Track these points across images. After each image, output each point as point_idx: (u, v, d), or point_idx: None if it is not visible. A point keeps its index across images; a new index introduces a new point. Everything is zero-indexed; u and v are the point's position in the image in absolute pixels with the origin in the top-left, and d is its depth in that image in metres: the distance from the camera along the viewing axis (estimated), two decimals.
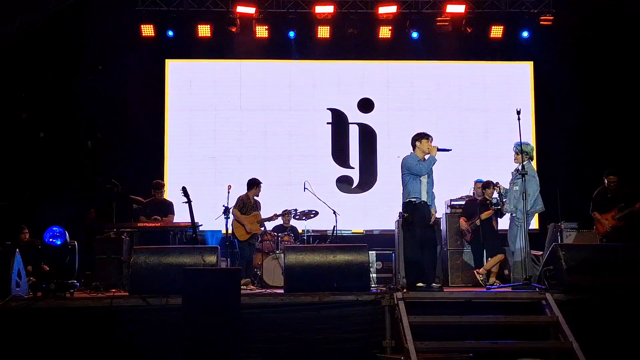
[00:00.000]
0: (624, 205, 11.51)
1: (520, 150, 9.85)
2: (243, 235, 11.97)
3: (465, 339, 8.16)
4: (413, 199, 9.62)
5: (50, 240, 10.87)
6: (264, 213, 12.51)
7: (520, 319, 8.50)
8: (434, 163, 9.70)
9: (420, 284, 9.48)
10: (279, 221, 13.43)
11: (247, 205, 12.13)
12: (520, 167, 9.81)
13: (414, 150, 9.87)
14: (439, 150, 9.72)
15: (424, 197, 9.68)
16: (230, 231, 12.07)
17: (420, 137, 9.87)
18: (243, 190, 12.28)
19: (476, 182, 12.52)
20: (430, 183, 9.80)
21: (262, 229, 12.61)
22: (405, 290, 8.85)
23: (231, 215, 12.01)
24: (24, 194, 14.11)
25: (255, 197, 12.30)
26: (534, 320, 8.51)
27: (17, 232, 12.56)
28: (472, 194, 12.65)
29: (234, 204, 12.06)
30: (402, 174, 9.82)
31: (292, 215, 13.36)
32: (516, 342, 8.15)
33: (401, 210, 9.92)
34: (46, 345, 8.30)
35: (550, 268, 9.19)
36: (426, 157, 9.74)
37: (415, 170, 9.63)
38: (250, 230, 12.00)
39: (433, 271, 9.98)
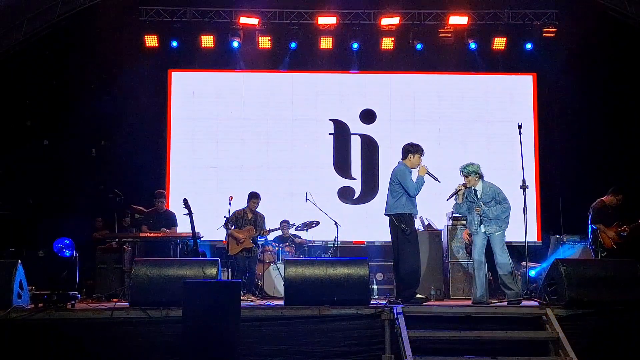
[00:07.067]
0: (622, 223, 11.64)
1: (469, 172, 9.93)
2: (233, 250, 12.01)
3: (465, 353, 8.20)
4: (407, 212, 9.60)
5: (62, 250, 10.99)
6: (268, 224, 12.48)
7: (521, 334, 8.52)
8: (422, 185, 9.60)
9: (419, 296, 9.51)
10: (279, 232, 13.43)
11: (240, 220, 12.16)
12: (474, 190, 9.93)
13: (404, 158, 9.79)
14: (427, 173, 9.65)
15: (417, 211, 9.73)
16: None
17: (416, 151, 9.78)
18: (244, 201, 12.30)
19: None
20: None
21: (257, 246, 12.47)
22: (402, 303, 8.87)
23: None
24: (26, 201, 14.17)
25: (255, 210, 12.28)
26: (534, 335, 8.53)
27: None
28: None
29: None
30: (392, 183, 9.71)
31: (294, 227, 13.25)
32: (516, 358, 8.14)
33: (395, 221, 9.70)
34: (47, 356, 8.35)
35: (551, 283, 9.20)
36: (415, 172, 9.68)
37: (407, 187, 9.51)
38: (242, 242, 11.99)
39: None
